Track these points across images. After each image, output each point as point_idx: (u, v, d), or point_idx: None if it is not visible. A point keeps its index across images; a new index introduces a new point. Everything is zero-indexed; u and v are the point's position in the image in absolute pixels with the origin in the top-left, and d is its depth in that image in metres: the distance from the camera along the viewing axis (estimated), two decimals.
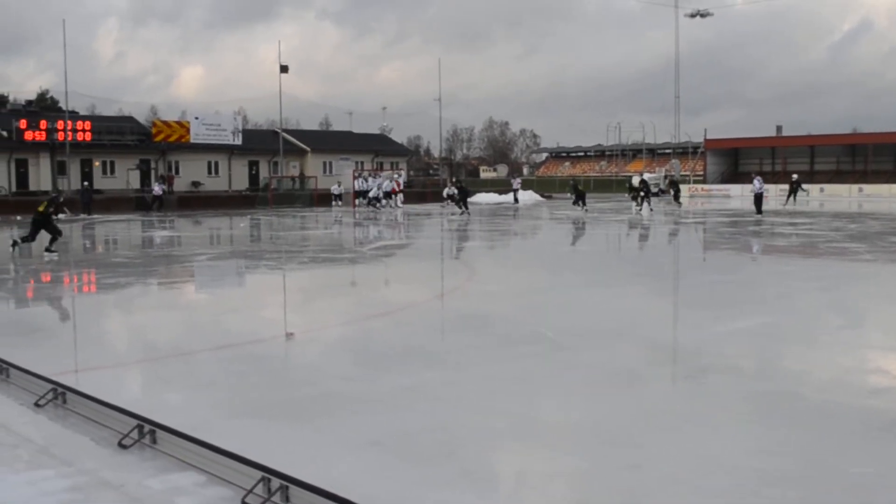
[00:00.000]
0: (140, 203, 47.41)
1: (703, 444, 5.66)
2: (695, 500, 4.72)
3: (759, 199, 35.47)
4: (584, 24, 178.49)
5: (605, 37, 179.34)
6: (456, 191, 43.89)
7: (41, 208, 20.16)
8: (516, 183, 57.62)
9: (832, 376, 7.64)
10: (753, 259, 19.88)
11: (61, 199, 22.47)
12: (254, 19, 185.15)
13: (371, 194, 48.39)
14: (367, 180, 50.81)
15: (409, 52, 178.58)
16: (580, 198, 42.10)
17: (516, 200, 53.42)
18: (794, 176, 46.74)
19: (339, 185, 52.63)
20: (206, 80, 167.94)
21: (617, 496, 4.84)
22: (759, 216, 33.60)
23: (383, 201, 48.17)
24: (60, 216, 21.11)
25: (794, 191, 44.07)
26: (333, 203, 49.84)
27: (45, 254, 19.36)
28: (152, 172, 57.75)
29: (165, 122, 59.95)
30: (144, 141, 57.73)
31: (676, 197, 46.14)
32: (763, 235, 25.48)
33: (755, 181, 36.19)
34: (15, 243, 19.97)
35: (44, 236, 19.69)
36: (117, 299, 13.86)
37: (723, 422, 6.23)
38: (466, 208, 41.49)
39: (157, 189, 48.07)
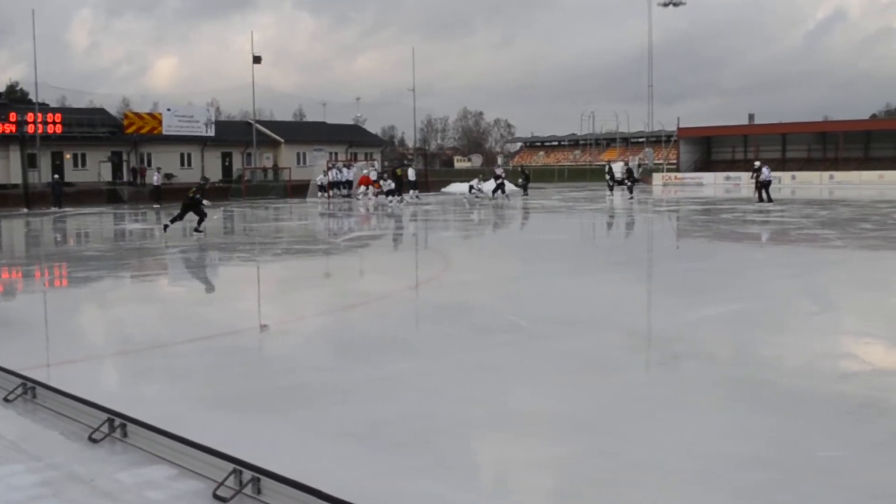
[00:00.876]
0: (112, 196, 47.10)
1: (676, 429, 5.69)
2: (667, 484, 4.75)
3: (766, 186, 34.76)
4: (563, 14, 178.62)
5: (584, 26, 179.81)
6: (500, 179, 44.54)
7: (190, 193, 23.44)
8: (500, 170, 56.79)
9: (803, 361, 7.72)
10: (731, 247, 20.00)
11: (207, 187, 26.68)
12: (230, 9, 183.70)
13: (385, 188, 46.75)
14: (340, 171, 50.63)
15: (387, 41, 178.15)
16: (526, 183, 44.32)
17: (503, 191, 47.08)
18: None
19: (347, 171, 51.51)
20: (180, 70, 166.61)
21: (592, 483, 4.86)
22: (770, 204, 33.11)
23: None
24: (205, 202, 23.65)
25: None
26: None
27: (194, 233, 22.38)
28: (124, 164, 57.31)
29: (137, 114, 59.38)
30: (116, 133, 57.23)
31: (630, 188, 43.82)
32: (735, 223, 25.62)
33: (763, 169, 35.40)
34: (166, 226, 23.05)
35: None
36: (89, 293, 13.76)
37: (696, 407, 6.27)
38: (521, 193, 41.85)
39: (156, 178, 48.18)
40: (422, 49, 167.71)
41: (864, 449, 5.20)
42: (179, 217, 23.09)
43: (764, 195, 34.58)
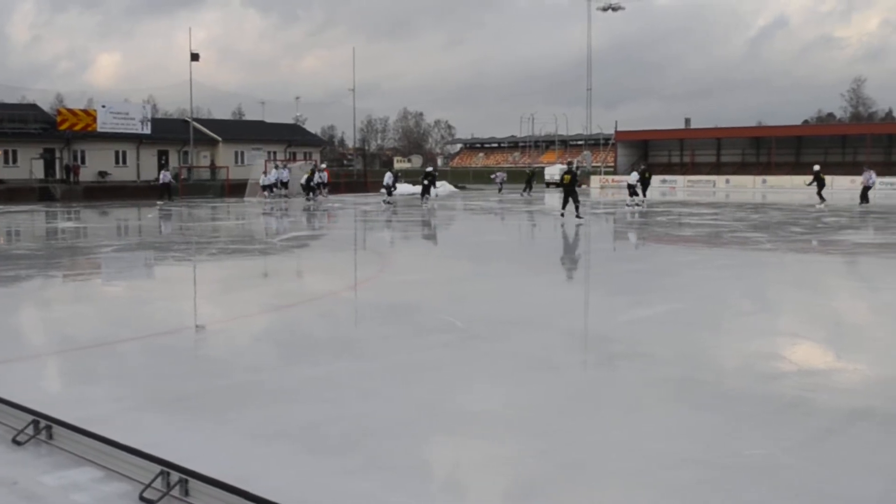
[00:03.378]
0: (44, 194, 46.27)
1: (609, 429, 5.74)
2: (596, 483, 4.79)
3: (866, 191, 35.89)
4: (510, 17, 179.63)
5: (531, 29, 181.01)
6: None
7: (566, 179, 27.12)
8: (500, 177, 56.84)
9: (734, 362, 7.84)
10: (666, 249, 20.25)
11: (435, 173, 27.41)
12: (177, 6, 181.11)
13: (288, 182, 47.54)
14: (280, 170, 50.27)
15: (334, 41, 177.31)
16: (430, 183, 43.28)
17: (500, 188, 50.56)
18: (816, 167, 39.58)
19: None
20: (122, 67, 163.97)
21: (522, 482, 4.88)
22: (866, 205, 34.68)
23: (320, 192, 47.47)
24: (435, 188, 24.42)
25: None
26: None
27: (576, 220, 25.81)
28: (57, 162, 56.22)
29: (71, 111, 58.25)
30: (49, 129, 56.06)
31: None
32: (670, 226, 25.97)
33: (866, 173, 36.63)
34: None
35: None
36: (18, 292, 13.45)
37: (630, 407, 6.33)
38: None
39: (164, 177, 47.95)
40: (369, 49, 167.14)
41: (788, 448, 5.30)
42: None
43: (867, 197, 35.82)
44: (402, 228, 27.92)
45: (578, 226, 25.62)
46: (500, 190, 55.73)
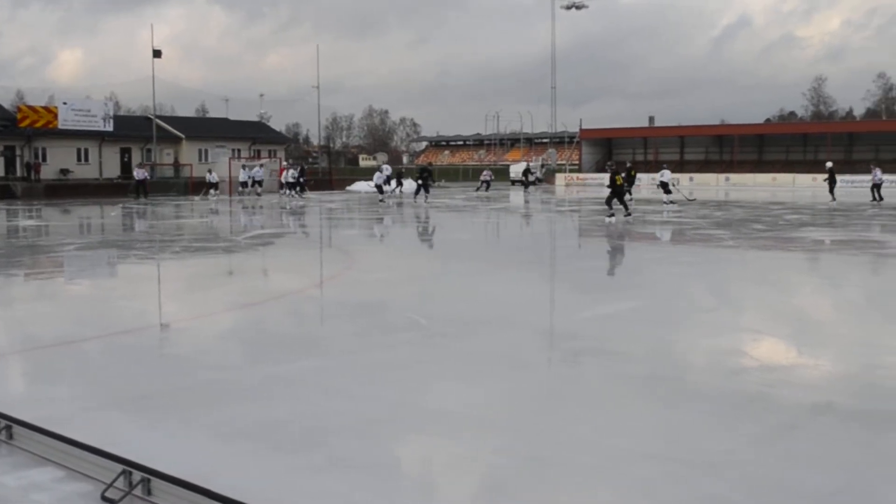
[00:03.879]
0: (4, 191, 45.69)
1: (572, 425, 5.77)
2: (561, 479, 4.81)
3: (877, 187, 37.41)
4: (477, 15, 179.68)
5: (497, 28, 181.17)
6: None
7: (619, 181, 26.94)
8: (487, 175, 56.82)
9: (696, 358, 7.92)
10: (630, 247, 20.38)
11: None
12: (141, 2, 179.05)
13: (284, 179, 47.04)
14: (244, 168, 50.06)
15: (299, 38, 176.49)
16: (397, 182, 43.74)
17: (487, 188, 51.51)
18: (829, 164, 41.33)
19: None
20: (85, 63, 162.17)
21: (487, 479, 4.90)
22: (880, 202, 35.89)
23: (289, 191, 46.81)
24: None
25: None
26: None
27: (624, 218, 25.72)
28: (17, 159, 55.51)
29: (32, 107, 57.48)
30: (9, 126, 55.34)
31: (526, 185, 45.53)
32: (634, 224, 26.13)
33: (874, 171, 38.01)
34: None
35: None
36: None
37: (593, 403, 6.38)
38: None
39: (139, 174, 47.30)
40: (335, 47, 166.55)
41: (749, 443, 5.35)
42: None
43: (877, 195, 37.12)
44: (368, 226, 27.87)
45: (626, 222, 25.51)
46: (487, 188, 55.23)
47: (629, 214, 27.21)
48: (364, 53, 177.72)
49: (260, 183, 49.35)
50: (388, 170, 45.42)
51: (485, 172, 58.15)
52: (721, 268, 15.51)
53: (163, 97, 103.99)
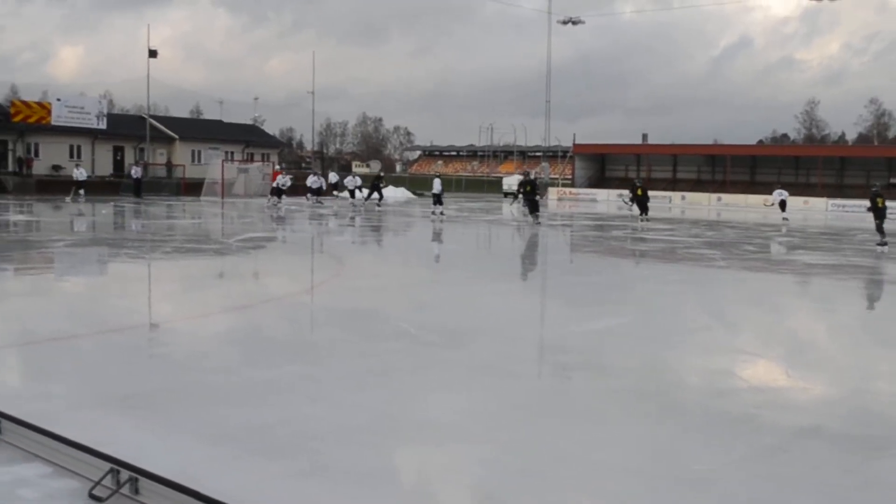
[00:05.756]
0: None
1: (555, 438, 5.80)
2: (544, 491, 4.82)
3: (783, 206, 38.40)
4: (479, 27, 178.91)
5: (498, 40, 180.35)
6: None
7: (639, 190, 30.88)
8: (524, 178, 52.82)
9: (684, 376, 7.96)
10: (621, 263, 20.41)
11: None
12: (145, 2, 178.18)
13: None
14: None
15: (302, 44, 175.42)
16: (376, 189, 42.21)
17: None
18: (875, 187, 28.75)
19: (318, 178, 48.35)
20: (84, 61, 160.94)
21: (469, 489, 4.92)
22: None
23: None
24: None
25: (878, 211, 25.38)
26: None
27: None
28: (9, 154, 55.34)
29: (25, 103, 57.29)
30: (1, 121, 55.16)
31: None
32: (626, 241, 26.19)
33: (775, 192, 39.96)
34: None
35: None
36: None
37: (577, 417, 6.40)
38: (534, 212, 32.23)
39: (136, 172, 46.95)
40: (336, 53, 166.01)
41: (734, 463, 5.38)
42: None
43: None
44: (360, 233, 27.86)
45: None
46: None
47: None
48: (365, 61, 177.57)
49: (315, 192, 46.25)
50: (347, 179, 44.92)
51: (518, 176, 49.91)
52: (711, 287, 15.55)
53: (158, 97, 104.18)
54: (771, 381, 8.01)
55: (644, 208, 34.49)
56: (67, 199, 41.12)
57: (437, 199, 36.36)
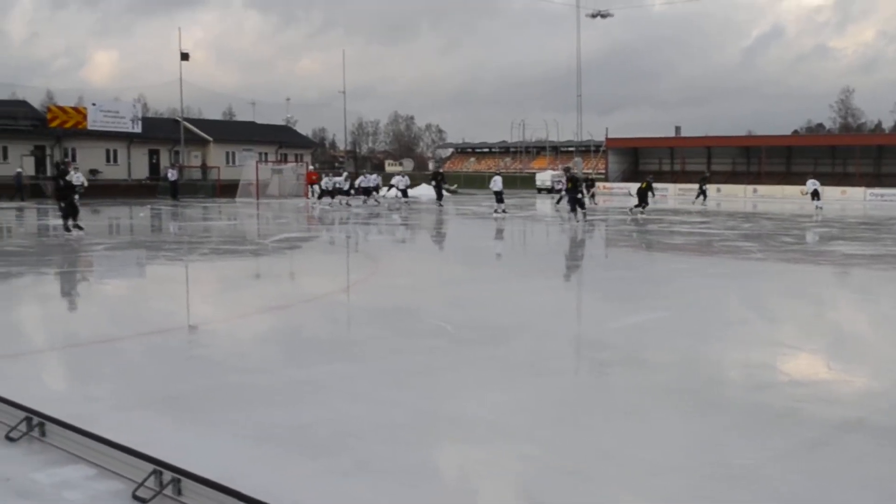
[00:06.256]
0: (35, 190, 46.11)
1: (597, 435, 5.77)
2: (583, 489, 4.81)
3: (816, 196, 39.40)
4: (507, 21, 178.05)
5: (527, 34, 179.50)
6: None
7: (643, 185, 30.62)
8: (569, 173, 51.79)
9: (724, 370, 7.88)
10: (658, 257, 20.29)
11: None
12: (178, 5, 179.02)
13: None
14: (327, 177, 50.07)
15: (332, 43, 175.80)
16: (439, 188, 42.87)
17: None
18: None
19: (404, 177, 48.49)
20: (119, 65, 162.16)
21: (511, 487, 4.91)
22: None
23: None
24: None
25: None
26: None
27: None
28: (47, 159, 56.03)
29: (61, 108, 58.02)
30: (39, 126, 55.85)
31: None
32: (661, 234, 26.04)
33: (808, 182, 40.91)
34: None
35: None
36: (9, 289, 13.42)
37: (618, 413, 6.37)
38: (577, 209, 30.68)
39: (172, 174, 47.59)
40: (366, 52, 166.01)
41: (776, 457, 5.33)
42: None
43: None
44: (393, 232, 27.93)
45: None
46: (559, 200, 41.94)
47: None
48: (394, 58, 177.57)
49: (346, 192, 45.92)
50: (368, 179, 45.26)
51: (562, 170, 47.52)
52: (749, 280, 15.40)
53: (191, 100, 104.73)
54: (812, 374, 7.93)
55: (644, 201, 35.65)
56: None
57: (499, 198, 36.03)
